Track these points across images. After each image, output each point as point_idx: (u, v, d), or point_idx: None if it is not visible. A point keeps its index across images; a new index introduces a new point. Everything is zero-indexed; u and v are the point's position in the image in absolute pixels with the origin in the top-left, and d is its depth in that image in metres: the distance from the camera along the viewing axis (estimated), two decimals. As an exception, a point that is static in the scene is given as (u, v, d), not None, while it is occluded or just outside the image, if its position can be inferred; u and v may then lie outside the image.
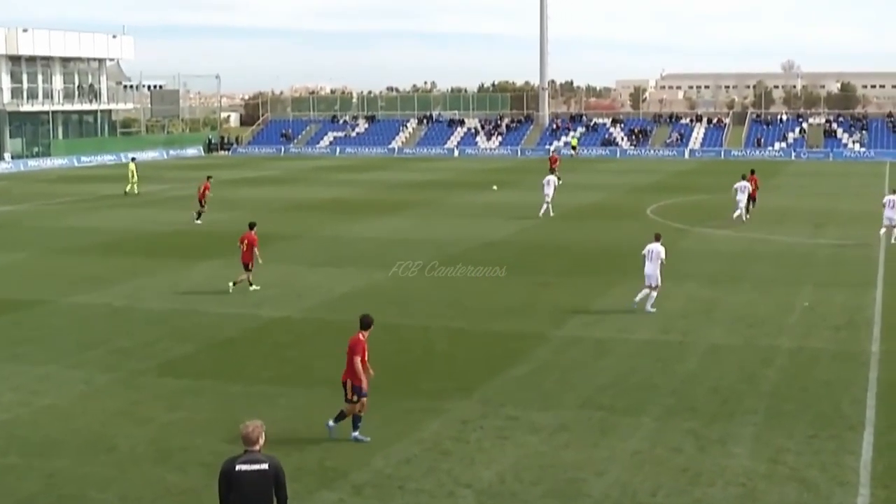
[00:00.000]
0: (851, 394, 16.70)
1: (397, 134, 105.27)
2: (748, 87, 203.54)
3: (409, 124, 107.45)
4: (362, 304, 24.31)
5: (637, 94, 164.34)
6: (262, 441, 8.86)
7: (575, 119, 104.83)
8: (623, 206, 46.40)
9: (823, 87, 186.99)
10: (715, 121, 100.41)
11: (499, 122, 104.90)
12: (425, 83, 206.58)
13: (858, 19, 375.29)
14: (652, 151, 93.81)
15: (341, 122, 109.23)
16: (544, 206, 42.10)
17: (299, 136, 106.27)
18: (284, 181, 63.59)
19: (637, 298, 23.15)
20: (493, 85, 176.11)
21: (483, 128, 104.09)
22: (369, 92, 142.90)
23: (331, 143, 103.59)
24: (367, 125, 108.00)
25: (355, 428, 14.50)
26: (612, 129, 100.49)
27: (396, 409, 16.05)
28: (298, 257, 31.72)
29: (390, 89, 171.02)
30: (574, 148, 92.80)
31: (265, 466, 8.72)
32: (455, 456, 13.91)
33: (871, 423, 15.17)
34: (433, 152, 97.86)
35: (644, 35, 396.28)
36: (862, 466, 13.40)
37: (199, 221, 40.40)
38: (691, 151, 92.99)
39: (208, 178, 43.42)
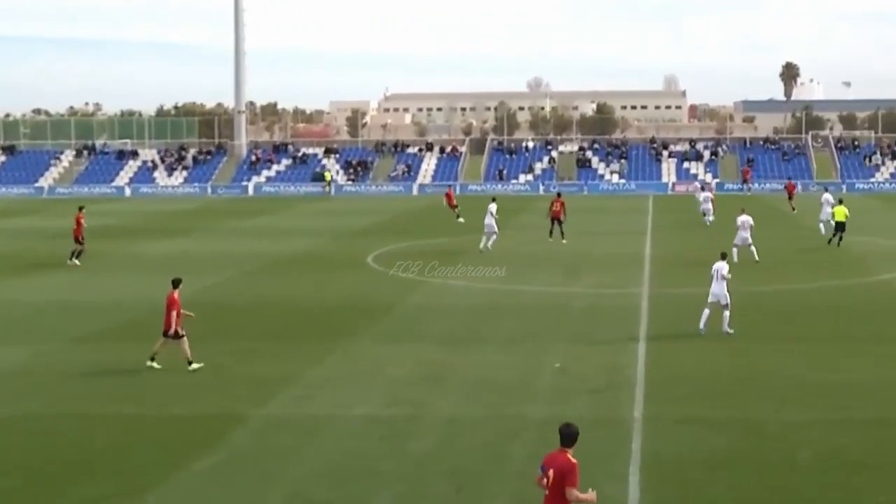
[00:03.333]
0: (612, 468, 17.55)
1: (47, 169, 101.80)
2: (488, 108, 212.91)
3: (63, 157, 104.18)
4: (-2, 389, 23.15)
5: (355, 119, 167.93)
6: None
7: (280, 149, 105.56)
8: (339, 255, 46.97)
9: (576, 108, 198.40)
10: (449, 149, 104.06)
11: (183, 153, 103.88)
12: (87, 104, 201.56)
13: (614, 32, 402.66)
14: (374, 187, 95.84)
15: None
16: (484, 238, 47.17)
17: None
18: None
19: (703, 325, 27.82)
20: (177, 107, 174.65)
21: (163, 160, 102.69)
22: (7, 115, 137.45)
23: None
24: (3, 158, 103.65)
25: None
26: (325, 161, 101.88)
27: (44, 523, 15.31)
28: None
29: (37, 112, 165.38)
30: (328, 183, 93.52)
31: None
32: (124, 578, 13.42)
33: (636, 503, 16.00)
34: (97, 192, 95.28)
35: (363, 48, 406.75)
36: (625, 554, 14.07)
37: (77, 262, 43.28)
38: (421, 187, 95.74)
39: (80, 209, 45.61)
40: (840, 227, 47.08)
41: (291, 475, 17.36)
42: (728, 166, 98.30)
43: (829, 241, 47.42)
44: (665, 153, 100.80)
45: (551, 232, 50.36)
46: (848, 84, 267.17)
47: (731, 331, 27.75)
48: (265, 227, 61.67)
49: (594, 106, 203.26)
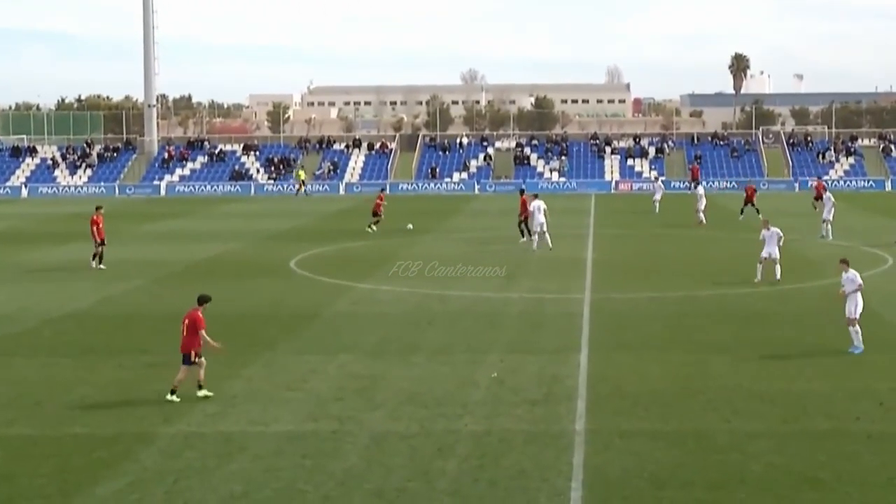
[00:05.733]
0: (551, 485, 17.60)
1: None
2: (420, 102, 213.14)
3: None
4: None
5: (277, 113, 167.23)
6: None
7: (195, 145, 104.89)
8: (260, 259, 46.78)
9: (514, 102, 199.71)
10: (378, 146, 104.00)
11: (88, 149, 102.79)
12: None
13: (553, 22, 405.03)
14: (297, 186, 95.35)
15: None
16: (536, 237, 48.33)
17: None
18: None
19: (857, 343, 27.17)
20: (80, 101, 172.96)
21: (65, 158, 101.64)
22: None
23: None
24: None
25: None
26: (244, 159, 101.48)
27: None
28: None
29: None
30: (303, 182, 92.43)
31: None
32: None
33: (577, 521, 16.06)
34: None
35: (285, 39, 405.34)
36: (565, 577, 14.08)
37: (102, 266, 43.78)
38: (348, 185, 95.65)
39: (98, 208, 45.57)
40: None
41: (204, 498, 17.17)
42: (674, 163, 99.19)
43: None
44: (608, 150, 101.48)
45: (523, 233, 51.10)
46: (800, 77, 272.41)
47: (862, 347, 27.20)
48: (179, 230, 61.18)
49: (532, 100, 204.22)
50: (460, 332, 30.32)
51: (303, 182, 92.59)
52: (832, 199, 54.48)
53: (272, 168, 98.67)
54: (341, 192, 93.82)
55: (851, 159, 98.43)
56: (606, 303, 34.90)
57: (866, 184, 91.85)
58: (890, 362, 26.03)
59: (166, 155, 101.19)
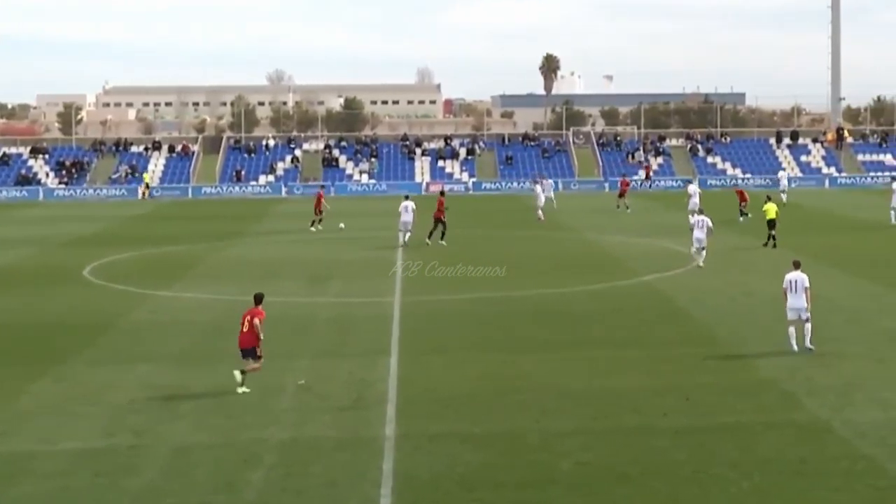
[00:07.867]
0: (361, 492, 17.66)
1: None
2: (224, 103, 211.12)
3: None
4: None
5: (69, 115, 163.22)
6: None
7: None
8: (50, 267, 45.80)
9: (322, 103, 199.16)
10: (180, 148, 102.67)
11: None
12: None
13: (362, 22, 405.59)
14: (91, 191, 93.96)
15: None
16: (407, 234, 50.77)
17: None
18: None
19: (793, 342, 26.72)
20: None
21: None
22: None
23: None
24: None
25: None
26: (32, 162, 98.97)
27: None
28: None
29: None
30: (147, 185, 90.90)
31: None
32: None
33: (387, 527, 16.11)
34: None
35: (78, 33, 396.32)
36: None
37: None
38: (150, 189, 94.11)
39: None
40: (772, 225, 48.64)
41: (-13, 522, 16.68)
42: (485, 164, 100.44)
43: (765, 244, 48.32)
44: (418, 151, 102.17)
45: (431, 234, 51.33)
46: (610, 78, 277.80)
47: (813, 347, 26.72)
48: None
49: (341, 101, 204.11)
50: (267, 339, 29.97)
51: (147, 185, 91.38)
52: (697, 189, 60.71)
53: (63, 172, 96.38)
54: (139, 197, 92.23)
55: (660, 159, 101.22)
56: (418, 305, 35.15)
57: (674, 183, 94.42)
58: (696, 358, 26.80)
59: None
